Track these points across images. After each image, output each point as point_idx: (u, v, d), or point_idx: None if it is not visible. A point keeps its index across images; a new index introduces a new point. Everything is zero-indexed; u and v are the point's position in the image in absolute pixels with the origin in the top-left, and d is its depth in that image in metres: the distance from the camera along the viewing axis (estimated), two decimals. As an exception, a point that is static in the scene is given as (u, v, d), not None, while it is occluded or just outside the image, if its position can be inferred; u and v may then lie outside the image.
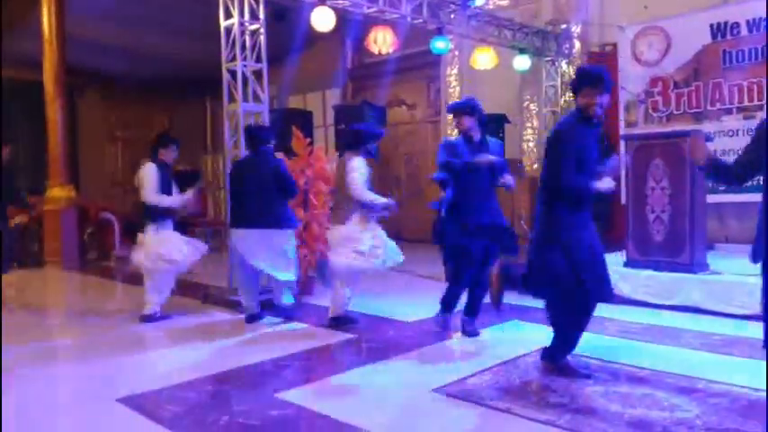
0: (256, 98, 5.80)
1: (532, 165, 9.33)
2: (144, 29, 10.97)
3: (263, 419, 2.96)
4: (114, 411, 3.12)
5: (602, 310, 4.94)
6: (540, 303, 3.68)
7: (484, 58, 7.88)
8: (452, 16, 7.40)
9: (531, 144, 9.38)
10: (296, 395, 3.27)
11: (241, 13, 5.57)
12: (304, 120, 7.54)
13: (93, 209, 9.76)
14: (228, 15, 5.62)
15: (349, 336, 4.48)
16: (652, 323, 4.67)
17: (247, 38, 5.70)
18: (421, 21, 6.98)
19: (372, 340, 4.38)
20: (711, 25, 6.97)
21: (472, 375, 3.52)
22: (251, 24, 5.68)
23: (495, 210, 4.29)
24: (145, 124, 14.78)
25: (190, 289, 6.57)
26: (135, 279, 5.95)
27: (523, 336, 4.42)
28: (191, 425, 2.93)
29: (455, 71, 10.20)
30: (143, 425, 2.95)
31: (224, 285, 5.96)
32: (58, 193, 9.17)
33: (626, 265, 5.55)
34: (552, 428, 2.79)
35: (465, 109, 4.28)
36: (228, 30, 5.65)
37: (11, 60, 11.80)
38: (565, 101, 9.00)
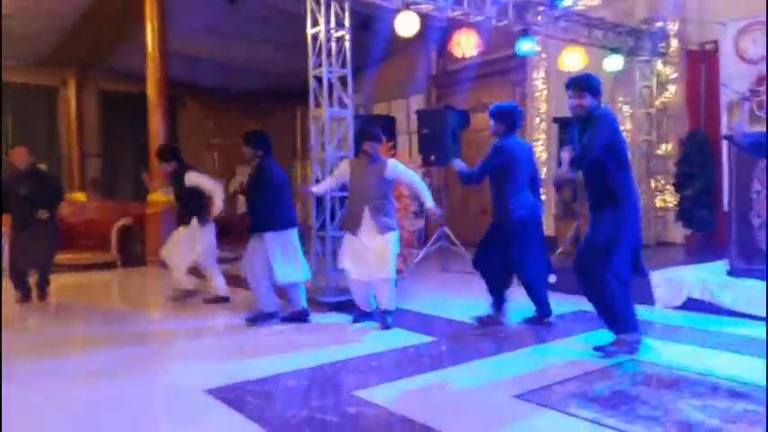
0: (341, 104, 5.90)
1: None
2: (238, 42, 11.51)
3: (341, 416, 2.98)
4: (202, 401, 3.25)
5: (702, 322, 4.70)
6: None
7: (573, 59, 7.63)
8: (539, 17, 7.24)
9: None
10: (373, 394, 3.27)
11: (327, 21, 5.70)
12: (387, 124, 7.61)
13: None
14: (315, 23, 5.76)
15: (428, 338, 4.45)
16: (754, 336, 4.31)
17: (333, 45, 5.82)
18: (506, 22, 6.87)
19: (453, 343, 4.33)
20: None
21: (557, 383, 3.39)
22: (336, 31, 5.80)
23: None
24: (239, 132, 15.44)
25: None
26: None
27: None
28: (272, 417, 2.99)
29: (542, 74, 9.96)
30: (227, 415, 3.05)
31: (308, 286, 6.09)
32: (159, 197, 9.73)
33: (729, 274, 5.17)
34: (642, 441, 2.64)
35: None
36: (315, 37, 5.80)
37: (118, 75, 12.77)
38: (661, 102, 8.57)
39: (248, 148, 5.07)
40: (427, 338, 4.45)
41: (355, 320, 5.02)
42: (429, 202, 4.86)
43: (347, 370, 3.73)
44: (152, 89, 9.81)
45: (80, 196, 12.52)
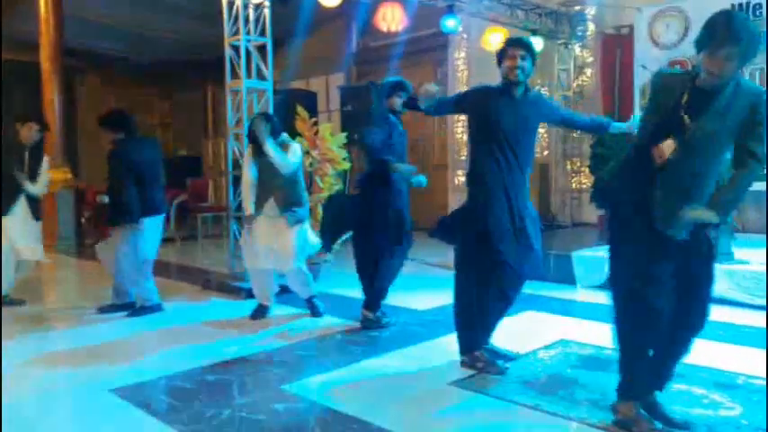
0: (260, 75, 5.53)
1: (542, 151, 9.08)
2: (144, 8, 10.68)
3: (268, 414, 2.72)
4: (107, 402, 2.88)
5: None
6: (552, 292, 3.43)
7: (496, 39, 7.59)
8: (464, -6, 7.12)
9: (541, 130, 9.09)
10: (304, 387, 3.03)
11: (244, -15, 5.30)
12: (309, 101, 7.28)
13: (90, 192, 9.48)
14: (231, -13, 5.34)
15: (356, 323, 4.22)
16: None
17: (251, 12, 5.43)
18: (431, -2, 6.71)
19: (384, 329, 4.12)
20: (733, 5, 6.67)
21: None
22: (255, -3, 5.40)
23: None
24: (145, 110, 14.53)
25: (189, 274, 6.37)
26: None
27: (540, 327, 4.18)
28: (189, 419, 2.68)
29: (463, 54, 9.92)
30: (137, 417, 2.71)
31: (225, 271, 5.72)
32: (54, 175, 8.89)
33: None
34: (587, 428, 2.55)
35: None
36: (231, 3, 5.38)
37: (9, 42, 11.56)
38: (578, 85, 8.74)
39: (106, 131, 4.63)
40: (355, 324, 4.23)
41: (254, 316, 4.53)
42: None
43: (272, 362, 3.44)
44: (45, 57, 8.93)
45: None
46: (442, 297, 4.98)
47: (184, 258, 7.71)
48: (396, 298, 4.91)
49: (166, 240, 8.71)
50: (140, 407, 2.80)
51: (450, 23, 7.05)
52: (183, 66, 13.39)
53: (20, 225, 4.89)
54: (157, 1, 10.38)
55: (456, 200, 10.05)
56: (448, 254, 6.63)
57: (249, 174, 4.32)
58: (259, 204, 4.33)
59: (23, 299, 5.07)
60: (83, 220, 9.55)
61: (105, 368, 3.45)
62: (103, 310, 4.72)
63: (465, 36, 9.57)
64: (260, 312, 4.50)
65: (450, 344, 3.75)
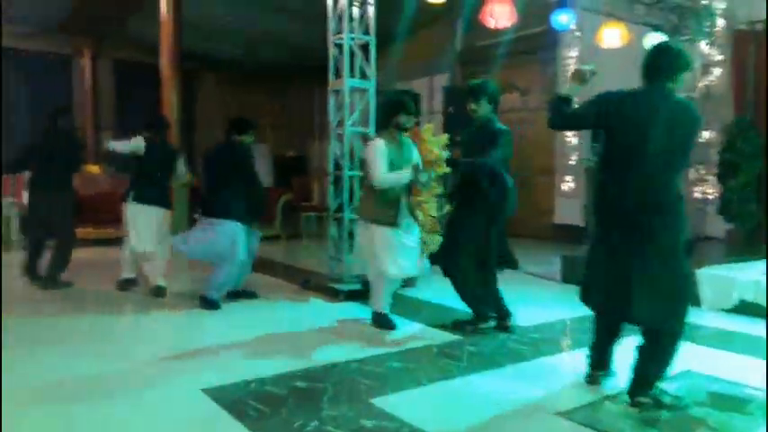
0: (363, 75, 5.44)
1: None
2: (257, 12, 11.03)
3: (356, 430, 2.57)
4: (197, 402, 2.86)
5: (758, 328, 4.17)
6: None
7: (613, 35, 7.07)
8: (579, -12, 6.69)
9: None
10: (394, 403, 2.85)
11: (350, -18, 5.23)
12: (413, 100, 7.10)
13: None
14: (336, -14, 5.30)
15: (455, 337, 4.00)
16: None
17: (355, 9, 5.35)
18: (544, -8, 6.34)
19: (481, 344, 3.85)
20: None
21: (608, 398, 2.94)
22: (360, -5, 5.32)
23: None
24: (258, 110, 15.08)
25: (290, 273, 6.41)
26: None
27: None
28: (275, 427, 2.59)
29: (575, 53, 9.38)
30: (224, 421, 2.65)
31: (325, 272, 5.69)
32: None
33: None
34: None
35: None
36: (336, 1, 5.33)
37: (133, 44, 12.38)
38: (704, 85, 7.98)
39: (233, 132, 4.97)
40: (452, 337, 4.02)
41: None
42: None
43: (364, 372, 3.30)
44: (165, 60, 9.38)
45: (94, 169, 12.23)
46: (548, 312, 4.68)
47: (287, 257, 7.82)
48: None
49: (272, 238, 8.95)
50: (229, 410, 2.74)
51: (562, 19, 6.63)
52: (294, 68, 13.75)
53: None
54: (273, 4, 10.70)
55: (562, 207, 9.53)
56: (554, 264, 6.27)
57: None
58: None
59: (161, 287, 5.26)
60: (195, 216, 10.01)
61: (200, 364, 3.47)
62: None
63: (578, 33, 9.04)
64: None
65: (557, 366, 3.45)
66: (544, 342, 3.91)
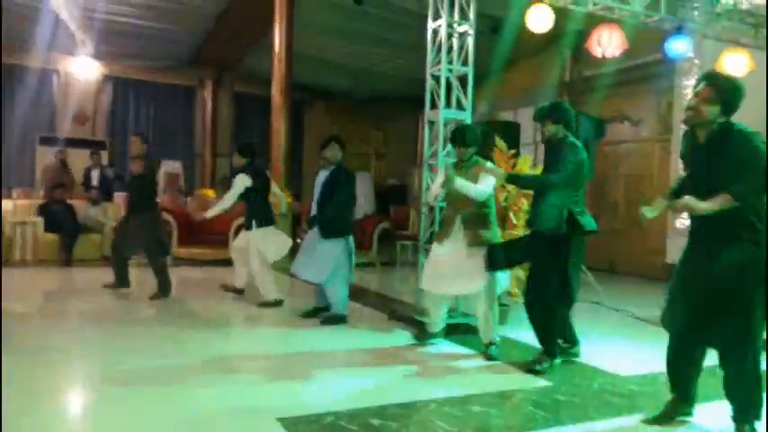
0: (459, 106, 5.38)
1: None
2: (364, 45, 11.36)
3: (426, 478, 2.45)
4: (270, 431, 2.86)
5: None
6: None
7: (735, 62, 6.53)
8: (695, 13, 6.27)
9: None
10: (469, 451, 2.70)
11: (450, 13, 5.21)
12: (510, 131, 6.93)
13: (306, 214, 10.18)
14: (437, 16, 5.30)
15: (542, 382, 3.77)
16: None
17: (455, 41, 5.33)
18: (657, 18, 5.99)
19: (572, 394, 3.59)
20: None
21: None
22: (459, 25, 5.29)
23: None
24: (362, 139, 15.47)
25: (379, 301, 6.39)
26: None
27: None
28: (344, 466, 2.53)
29: (692, 81, 8.77)
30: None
31: (412, 302, 5.62)
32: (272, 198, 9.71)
33: None
34: None
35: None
36: (435, 32, 5.34)
37: (250, 77, 13.14)
38: None
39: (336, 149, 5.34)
40: (541, 383, 3.78)
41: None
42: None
43: (441, 414, 3.15)
44: (277, 90, 9.84)
45: (209, 193, 13.01)
46: (652, 362, 4.29)
47: (380, 285, 7.83)
48: (592, 356, 4.35)
49: (367, 265, 9.03)
50: (301, 443, 2.72)
51: (678, 47, 6.23)
52: (397, 98, 13.98)
53: (262, 235, 5.84)
54: (379, 37, 10.98)
55: (675, 245, 8.84)
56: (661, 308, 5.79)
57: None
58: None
59: (281, 299, 5.91)
60: (298, 240, 10.31)
61: (279, 390, 3.50)
62: (306, 314, 5.38)
63: (696, 61, 8.47)
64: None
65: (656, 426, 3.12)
66: (643, 395, 3.57)
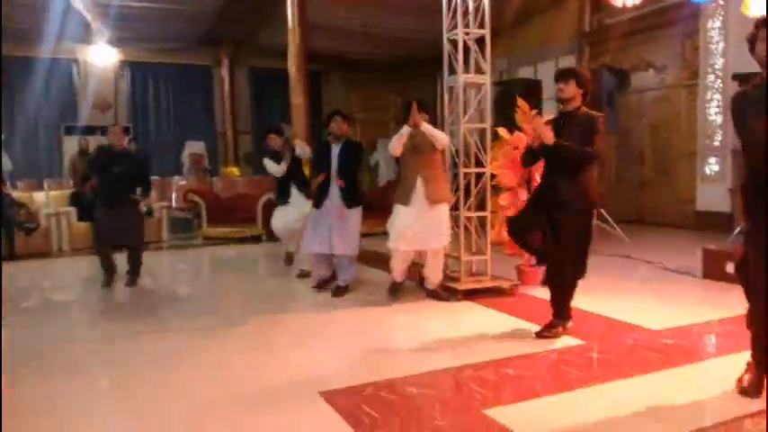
0: (478, 69, 5.32)
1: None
2: (382, 11, 11.18)
3: (467, 442, 2.53)
4: (314, 406, 2.96)
5: None
6: None
7: (761, 3, 6.29)
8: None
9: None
10: (506, 414, 2.76)
11: (463, -24, 5.12)
12: (531, 89, 6.85)
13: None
14: (449, -20, 5.21)
15: (576, 341, 3.81)
16: None
17: (470, 3, 5.24)
18: (677, -38, 5.79)
19: (606, 351, 3.62)
20: None
21: (748, 416, 2.65)
22: (473, -13, 5.20)
23: None
24: (380, 105, 15.37)
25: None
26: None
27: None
28: (387, 436, 2.63)
29: (717, 24, 8.50)
30: (337, 427, 2.73)
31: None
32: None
33: None
34: None
35: None
36: (449, -4, 5.25)
37: (266, 51, 13.08)
38: None
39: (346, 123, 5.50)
40: (573, 341, 3.82)
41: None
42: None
43: (477, 378, 3.22)
44: (293, 63, 9.78)
45: (234, 171, 13.15)
46: (684, 314, 4.32)
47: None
48: (624, 311, 4.38)
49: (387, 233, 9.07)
50: (344, 416, 2.81)
51: (701, -11, 6.03)
52: (415, 63, 13.80)
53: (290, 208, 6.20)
54: (393, 3, 10.79)
55: (705, 192, 8.71)
56: (692, 258, 5.77)
57: None
58: None
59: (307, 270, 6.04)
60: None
61: (317, 362, 3.61)
62: (319, 285, 5.55)
63: (721, 2, 8.19)
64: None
65: (692, 379, 3.16)
66: (677, 349, 3.60)
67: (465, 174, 5.25)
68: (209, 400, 3.07)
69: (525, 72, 11.78)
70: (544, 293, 4.93)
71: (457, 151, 5.33)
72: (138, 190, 5.99)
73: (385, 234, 5.15)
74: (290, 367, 3.56)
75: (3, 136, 10.59)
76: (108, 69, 12.92)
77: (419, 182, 4.80)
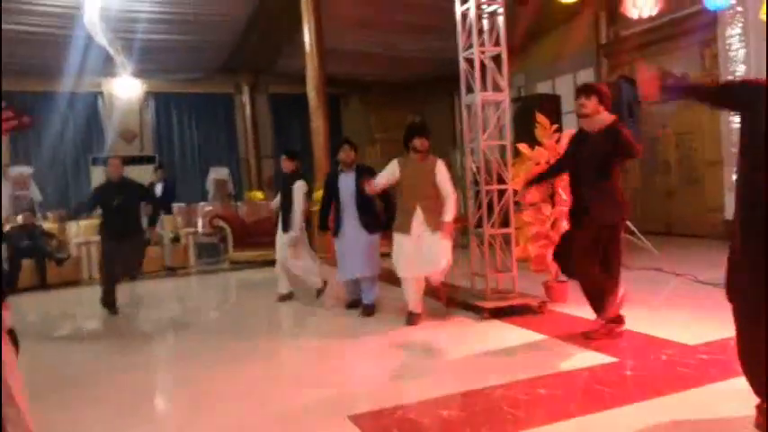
0: (495, 86, 5.33)
1: None
2: (396, 33, 11.31)
3: (501, 465, 2.49)
4: (343, 430, 2.94)
5: None
6: None
7: (782, 7, 6.23)
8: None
9: None
10: (540, 436, 2.73)
11: (477, -4, 5.16)
12: (550, 105, 6.84)
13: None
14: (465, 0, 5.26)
15: (608, 359, 3.74)
16: None
17: (485, 21, 5.27)
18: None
19: (640, 368, 3.56)
20: None
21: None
22: (489, 6, 5.23)
23: None
24: (399, 125, 15.43)
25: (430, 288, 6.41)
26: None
27: None
28: (419, 460, 2.59)
29: (737, 31, 8.40)
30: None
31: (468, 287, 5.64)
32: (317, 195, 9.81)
33: None
34: None
35: None
36: (465, 15, 5.29)
37: (285, 77, 13.27)
38: None
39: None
40: (606, 358, 3.75)
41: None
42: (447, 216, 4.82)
43: (508, 399, 3.18)
44: (312, 88, 9.90)
45: (258, 195, 13.27)
46: (720, 328, 4.20)
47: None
48: (657, 326, 4.29)
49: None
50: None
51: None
52: (431, 82, 13.89)
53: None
54: (407, 24, 10.91)
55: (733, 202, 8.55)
56: (724, 269, 5.64)
57: None
58: None
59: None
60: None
61: (348, 387, 3.59)
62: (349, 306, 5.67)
63: (740, 9, 8.11)
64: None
65: (731, 395, 3.06)
66: (714, 364, 3.51)
67: (487, 191, 5.23)
68: (237, 425, 3.07)
69: (543, 87, 11.76)
70: (574, 309, 4.89)
71: (478, 169, 5.32)
72: (145, 220, 6.20)
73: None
74: (317, 391, 3.55)
75: (32, 169, 10.83)
76: (132, 101, 13.21)
77: (418, 209, 4.82)
